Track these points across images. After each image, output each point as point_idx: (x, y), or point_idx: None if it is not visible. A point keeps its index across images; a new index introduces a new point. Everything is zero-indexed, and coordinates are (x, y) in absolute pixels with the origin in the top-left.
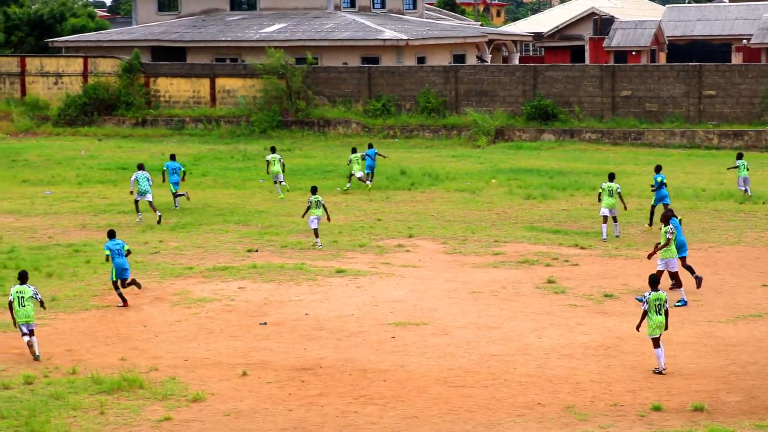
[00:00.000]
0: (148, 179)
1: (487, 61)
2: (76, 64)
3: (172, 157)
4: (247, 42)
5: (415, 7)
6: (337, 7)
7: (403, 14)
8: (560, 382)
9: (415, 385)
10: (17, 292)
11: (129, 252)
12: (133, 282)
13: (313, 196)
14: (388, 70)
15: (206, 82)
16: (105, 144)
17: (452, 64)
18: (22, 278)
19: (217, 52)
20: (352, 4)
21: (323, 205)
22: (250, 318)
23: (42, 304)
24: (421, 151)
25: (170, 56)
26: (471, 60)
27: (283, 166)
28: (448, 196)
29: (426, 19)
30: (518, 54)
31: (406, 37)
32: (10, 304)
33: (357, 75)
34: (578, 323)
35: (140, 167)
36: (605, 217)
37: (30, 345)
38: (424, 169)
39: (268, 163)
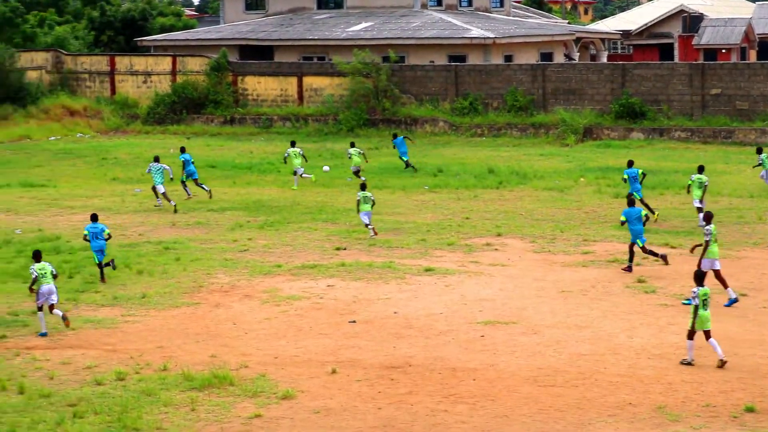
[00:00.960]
0: (162, 171)
1: (575, 60)
2: (165, 63)
3: (183, 150)
4: (334, 40)
5: (502, 5)
6: (424, 6)
7: (490, 12)
8: (651, 382)
9: (504, 384)
10: (39, 268)
11: (109, 236)
12: (110, 263)
13: (361, 192)
14: (475, 68)
15: (293, 80)
16: (193, 142)
17: (540, 62)
18: (37, 257)
19: (304, 50)
20: (439, 3)
21: (372, 200)
22: (338, 316)
23: (55, 277)
24: (509, 150)
25: (258, 55)
26: (558, 58)
27: (304, 158)
28: (537, 194)
29: (513, 17)
30: (606, 52)
31: (493, 35)
32: (35, 279)
33: (444, 73)
34: (669, 323)
35: (156, 159)
36: (699, 208)
37: (42, 317)
38: (512, 168)
39: (288, 156)
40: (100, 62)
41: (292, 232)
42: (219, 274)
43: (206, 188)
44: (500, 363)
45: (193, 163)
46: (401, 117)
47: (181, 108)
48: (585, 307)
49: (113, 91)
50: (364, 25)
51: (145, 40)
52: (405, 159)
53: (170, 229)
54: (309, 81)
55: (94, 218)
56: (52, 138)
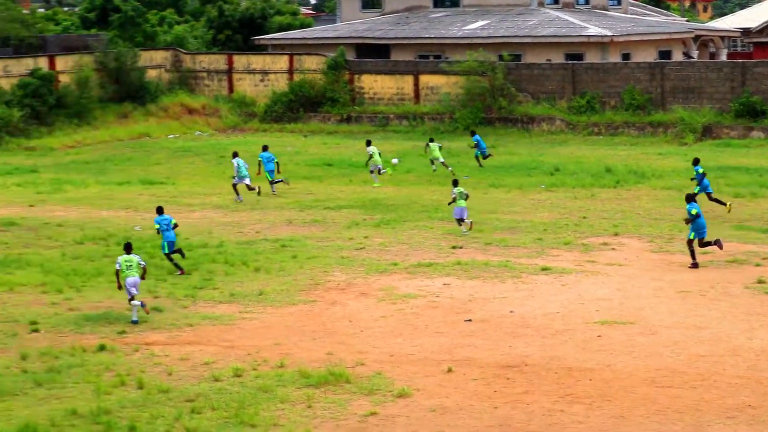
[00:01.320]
0: (245, 166)
1: (693, 58)
2: (282, 62)
3: (265, 148)
4: (451, 39)
5: (619, 3)
6: (541, 4)
7: (607, 10)
8: None
9: (621, 385)
10: (125, 260)
11: (176, 225)
12: (179, 250)
13: (456, 188)
14: (592, 66)
15: (410, 79)
16: (310, 140)
17: (658, 60)
18: (128, 249)
19: (420, 49)
20: (556, 1)
21: (466, 195)
22: (454, 314)
23: (145, 270)
24: (626, 149)
25: (374, 53)
26: (677, 56)
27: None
28: (655, 194)
29: (630, 15)
30: (726, 50)
31: (611, 34)
32: (117, 271)
33: (561, 72)
34: None
35: (235, 155)
36: None
37: (135, 306)
38: (630, 167)
39: (371, 155)
40: (218, 61)
41: (408, 231)
42: (335, 271)
43: (273, 190)
44: (617, 363)
45: (274, 161)
46: (517, 115)
47: (298, 106)
48: (703, 307)
49: (231, 89)
50: (480, 23)
51: (262, 38)
52: (479, 156)
53: (287, 227)
54: (425, 79)
55: (160, 211)
56: (171, 136)
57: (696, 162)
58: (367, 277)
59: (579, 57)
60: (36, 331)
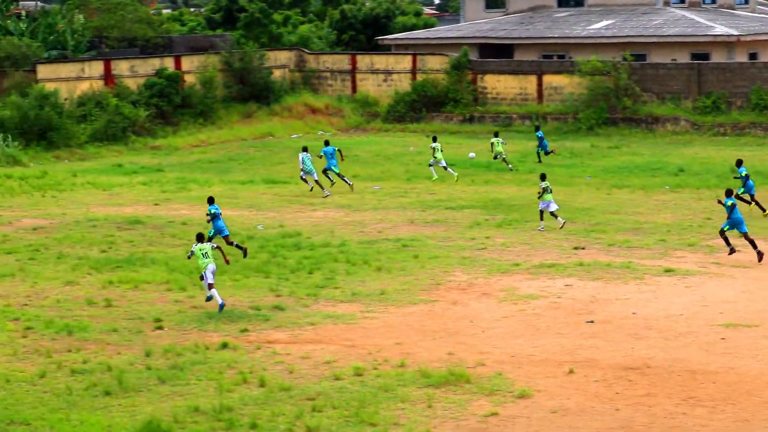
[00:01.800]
0: (311, 160)
1: None
2: (405, 62)
3: (327, 143)
4: (575, 39)
5: (746, 2)
6: (666, 3)
7: (734, 9)
8: None
9: (745, 388)
10: (199, 249)
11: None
12: (233, 243)
13: (544, 182)
14: (718, 66)
15: (533, 79)
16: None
17: None
18: (200, 239)
19: (543, 49)
20: (682, 0)
21: (551, 190)
22: (576, 316)
23: (223, 252)
24: (753, 150)
25: (497, 53)
26: None
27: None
28: None
29: (758, 14)
30: None
31: (738, 33)
32: (190, 255)
33: (686, 72)
34: None
35: (305, 149)
36: None
37: (213, 294)
38: (756, 168)
39: (434, 150)
40: (341, 61)
41: (530, 231)
42: (457, 271)
43: (346, 181)
44: (741, 366)
45: (333, 155)
46: (642, 116)
47: (420, 106)
48: None
49: (354, 89)
50: (604, 23)
51: (386, 38)
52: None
53: (409, 227)
54: (548, 79)
55: (211, 201)
56: (294, 136)
57: (739, 163)
58: (488, 278)
59: (705, 57)
60: (160, 328)
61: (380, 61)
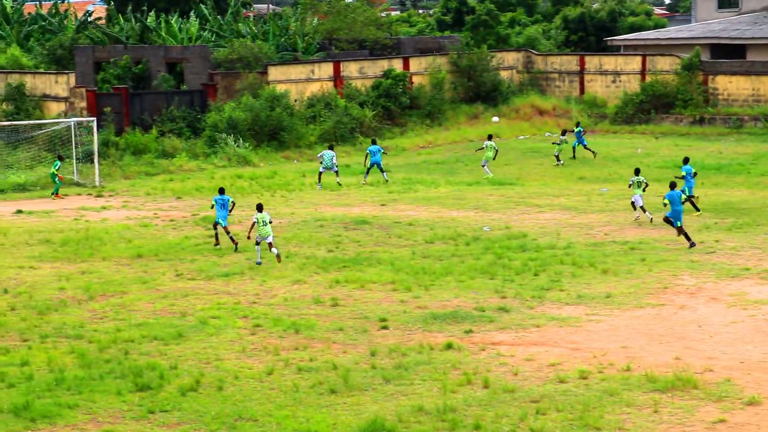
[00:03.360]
0: (333, 157)
1: None
2: (634, 63)
3: (374, 142)
4: None
5: None
6: None
7: None
8: None
9: None
10: (261, 218)
11: (234, 204)
12: (231, 238)
13: (636, 177)
14: None
15: (766, 80)
16: (661, 142)
17: None
18: (260, 208)
19: None
20: None
21: (645, 183)
22: None
23: (270, 223)
24: None
25: (729, 54)
26: None
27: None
28: None
29: None
30: None
31: None
32: (253, 224)
33: None
34: None
35: (330, 147)
36: None
37: (259, 252)
38: None
39: (486, 148)
40: (569, 62)
41: (762, 235)
42: (684, 275)
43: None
44: None
45: (380, 153)
46: None
47: (649, 108)
48: None
49: (582, 90)
50: None
51: (615, 39)
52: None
53: (636, 230)
54: None
55: (221, 191)
56: (521, 137)
57: (686, 161)
58: (717, 282)
59: None
60: (385, 328)
61: (609, 62)
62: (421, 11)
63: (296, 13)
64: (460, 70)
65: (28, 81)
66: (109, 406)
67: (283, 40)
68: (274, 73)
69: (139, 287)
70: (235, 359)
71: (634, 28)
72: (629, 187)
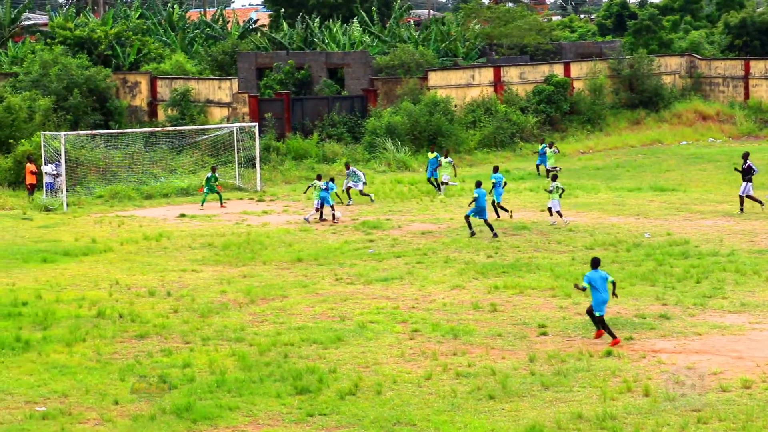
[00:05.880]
0: (357, 173)
1: None
2: None
3: (495, 169)
4: None
5: None
6: None
7: None
8: None
9: None
10: (319, 186)
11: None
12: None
13: (554, 183)
14: None
15: None
16: None
17: None
18: (319, 178)
19: None
20: None
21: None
22: None
23: (327, 190)
24: None
25: None
26: None
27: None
28: None
29: None
30: None
31: None
32: (310, 187)
33: None
34: None
35: (347, 166)
36: None
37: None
38: None
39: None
40: (734, 66)
41: None
42: None
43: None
44: None
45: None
46: None
47: None
48: None
49: (746, 95)
50: None
51: None
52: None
53: None
54: None
55: (495, 169)
56: (683, 143)
57: (495, 169)
58: None
59: None
60: (544, 334)
61: None
62: (582, 16)
63: (458, 18)
64: (621, 75)
65: (192, 87)
66: (269, 408)
67: (443, 45)
68: (435, 78)
69: (299, 291)
70: (393, 364)
71: None
72: (548, 192)
